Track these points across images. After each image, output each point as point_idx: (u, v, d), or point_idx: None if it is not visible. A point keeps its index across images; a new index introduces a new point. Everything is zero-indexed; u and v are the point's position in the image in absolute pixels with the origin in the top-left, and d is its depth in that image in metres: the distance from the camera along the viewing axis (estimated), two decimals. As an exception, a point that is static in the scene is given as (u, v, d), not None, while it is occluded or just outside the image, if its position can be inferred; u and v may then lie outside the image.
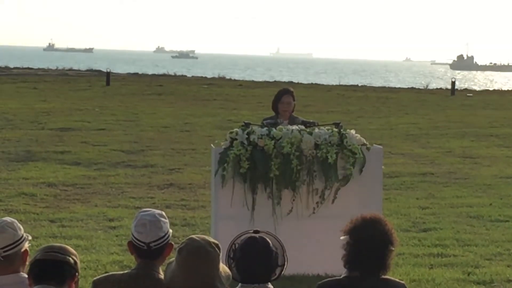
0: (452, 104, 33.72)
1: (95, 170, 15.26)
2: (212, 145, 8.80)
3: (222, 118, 25.22)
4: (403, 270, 8.81)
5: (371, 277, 4.25)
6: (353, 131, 8.64)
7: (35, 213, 11.50)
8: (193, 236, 4.02)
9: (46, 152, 17.19)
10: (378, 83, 71.61)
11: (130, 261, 8.30)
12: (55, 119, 23.70)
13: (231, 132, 8.50)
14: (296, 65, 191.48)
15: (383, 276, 4.28)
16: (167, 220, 4.26)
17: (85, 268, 8.33)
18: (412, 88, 49.05)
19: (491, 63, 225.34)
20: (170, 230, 4.28)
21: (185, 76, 53.31)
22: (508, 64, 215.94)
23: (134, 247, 4.22)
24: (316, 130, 8.62)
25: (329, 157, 8.35)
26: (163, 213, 4.29)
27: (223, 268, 3.99)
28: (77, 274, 4.03)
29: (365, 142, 8.66)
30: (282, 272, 4.15)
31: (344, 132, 8.54)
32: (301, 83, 48.73)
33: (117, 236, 10.19)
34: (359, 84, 51.80)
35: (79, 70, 53.15)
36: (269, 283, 4.12)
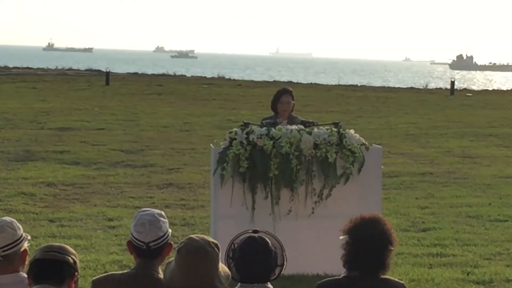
0: (451, 104, 33.72)
1: (95, 170, 15.26)
2: (211, 144, 8.79)
3: (222, 117, 25.21)
4: (402, 270, 8.80)
5: (370, 276, 4.25)
6: (352, 131, 8.64)
7: (35, 212, 11.50)
8: (193, 235, 4.02)
9: (45, 152, 17.19)
10: (377, 83, 71.61)
11: (130, 260, 8.30)
12: (54, 118, 23.68)
13: (231, 132, 8.49)
14: (296, 65, 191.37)
15: (383, 276, 4.27)
16: (166, 220, 4.26)
17: (84, 268, 8.33)
18: (412, 88, 49.05)
19: (490, 63, 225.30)
20: (170, 230, 4.27)
21: (185, 76, 53.28)
22: (507, 64, 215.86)
23: (133, 246, 4.22)
24: (315, 130, 8.61)
25: (329, 156, 8.34)
26: (163, 212, 4.29)
27: (223, 267, 3.99)
28: (76, 273, 4.03)
29: (364, 141, 8.65)
30: (282, 272, 4.14)
31: (343, 132, 8.53)
32: (300, 83, 48.70)
33: (116, 235, 10.19)
34: (359, 84, 51.79)
35: (78, 70, 53.08)
36: (269, 282, 4.11)
